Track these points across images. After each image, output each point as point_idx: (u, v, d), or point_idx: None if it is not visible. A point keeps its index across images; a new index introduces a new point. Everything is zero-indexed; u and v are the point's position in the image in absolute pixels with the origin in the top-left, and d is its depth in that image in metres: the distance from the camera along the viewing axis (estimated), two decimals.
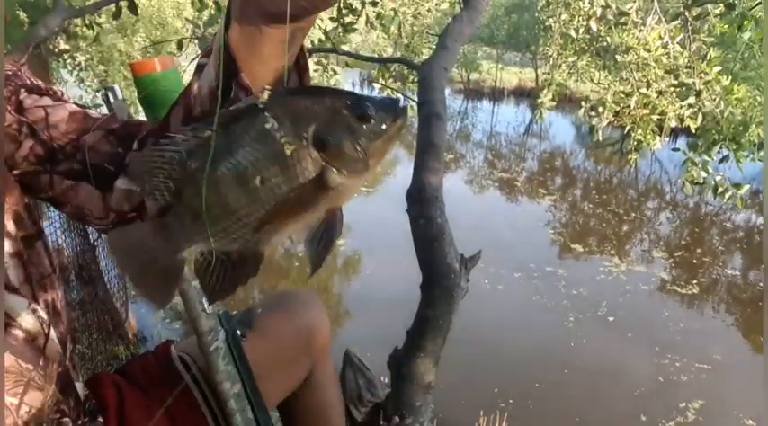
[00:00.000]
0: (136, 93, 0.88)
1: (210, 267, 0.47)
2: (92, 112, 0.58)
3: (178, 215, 0.47)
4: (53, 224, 2.36)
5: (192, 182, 0.44)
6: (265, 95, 0.41)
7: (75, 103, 0.58)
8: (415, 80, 2.62)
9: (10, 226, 0.55)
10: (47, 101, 0.56)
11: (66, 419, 0.60)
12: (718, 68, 2.40)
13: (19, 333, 0.55)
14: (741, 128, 2.41)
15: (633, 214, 7.12)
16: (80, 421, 0.63)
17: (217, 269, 0.47)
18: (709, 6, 2.27)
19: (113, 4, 2.22)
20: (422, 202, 1.63)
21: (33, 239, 0.59)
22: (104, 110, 0.93)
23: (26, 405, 0.54)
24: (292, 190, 0.43)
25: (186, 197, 0.45)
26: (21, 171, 0.54)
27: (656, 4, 2.39)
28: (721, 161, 2.45)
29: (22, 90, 0.56)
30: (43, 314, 0.57)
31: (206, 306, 0.87)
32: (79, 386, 0.64)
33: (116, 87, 1.01)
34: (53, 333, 0.58)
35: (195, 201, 0.44)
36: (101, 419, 0.69)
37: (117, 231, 0.51)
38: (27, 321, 0.55)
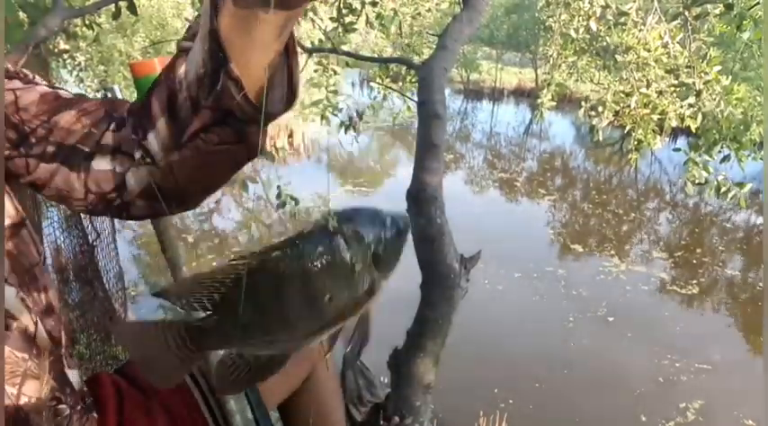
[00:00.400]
0: (136, 94, 0.88)
1: (234, 365, 0.49)
2: (63, 93, 0.57)
3: (217, 322, 0.47)
4: (52, 224, 2.35)
5: (251, 299, 0.44)
6: (335, 221, 0.44)
7: (47, 85, 0.57)
8: (414, 80, 2.61)
9: None
10: (16, 84, 0.55)
11: (63, 406, 0.59)
12: (718, 68, 2.39)
13: (11, 323, 0.54)
14: (742, 128, 2.41)
15: (633, 214, 7.11)
16: (78, 407, 0.62)
17: (240, 368, 0.49)
18: (709, 6, 2.27)
19: (113, 4, 2.21)
20: (421, 202, 1.62)
21: (18, 227, 0.58)
22: None
23: (24, 395, 0.54)
24: (352, 301, 0.46)
25: (234, 309, 0.45)
26: None
27: (656, 4, 2.39)
28: (722, 160, 2.45)
29: None
30: (31, 303, 0.57)
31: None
32: (75, 372, 0.64)
33: (116, 88, 1.01)
34: (43, 323, 0.58)
35: (246, 315, 0.44)
36: (95, 415, 0.69)
37: (130, 325, 0.51)
38: (17, 310, 0.55)
